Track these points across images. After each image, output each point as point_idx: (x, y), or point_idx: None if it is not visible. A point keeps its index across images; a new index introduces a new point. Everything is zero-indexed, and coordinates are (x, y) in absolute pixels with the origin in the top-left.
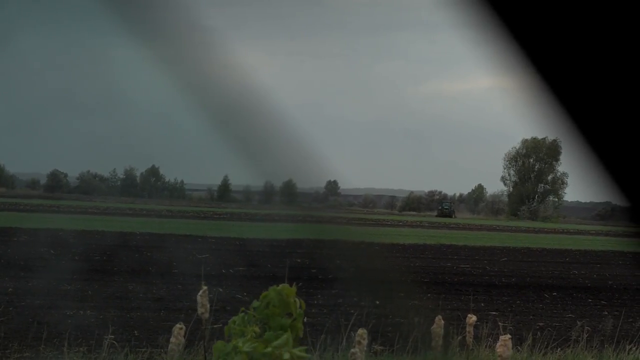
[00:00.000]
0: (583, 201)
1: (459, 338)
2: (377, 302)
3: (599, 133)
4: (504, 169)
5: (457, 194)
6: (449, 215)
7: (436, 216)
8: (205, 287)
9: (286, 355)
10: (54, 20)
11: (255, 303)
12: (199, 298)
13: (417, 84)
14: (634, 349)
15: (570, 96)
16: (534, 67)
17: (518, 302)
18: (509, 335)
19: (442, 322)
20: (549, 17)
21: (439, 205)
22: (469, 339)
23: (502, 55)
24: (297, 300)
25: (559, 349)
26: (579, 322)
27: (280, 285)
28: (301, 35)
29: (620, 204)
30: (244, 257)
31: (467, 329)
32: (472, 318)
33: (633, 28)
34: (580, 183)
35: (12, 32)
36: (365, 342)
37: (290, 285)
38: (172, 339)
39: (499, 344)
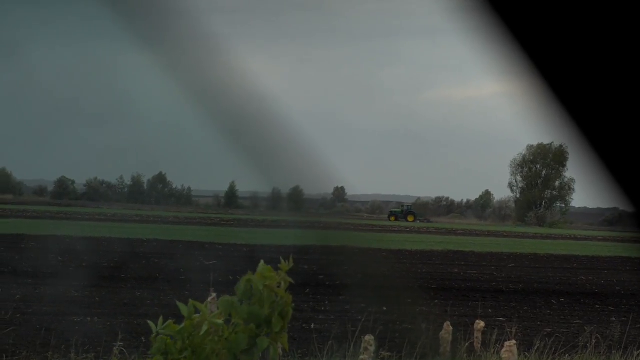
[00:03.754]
0: (590, 207)
1: (467, 344)
2: (385, 308)
3: (604, 138)
4: (511, 175)
5: (465, 200)
6: (390, 217)
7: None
8: (214, 294)
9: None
10: (62, 29)
11: (239, 286)
12: (207, 305)
13: (424, 89)
14: None
15: (576, 101)
16: (540, 73)
17: (525, 308)
18: (514, 341)
19: (451, 328)
20: (554, 23)
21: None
22: (477, 344)
23: (509, 61)
24: (274, 289)
25: (567, 355)
26: (586, 328)
27: (260, 267)
28: (306, 42)
29: (627, 210)
30: (252, 263)
31: (476, 335)
32: (480, 324)
33: (638, 34)
34: (587, 189)
35: (19, 40)
36: (372, 349)
37: (299, 293)
38: None
39: (504, 349)
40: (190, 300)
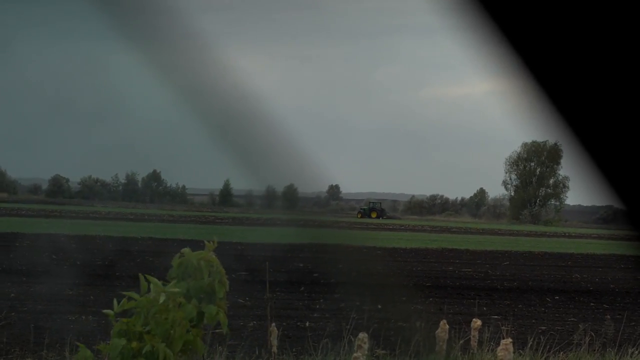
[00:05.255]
0: (585, 205)
1: (461, 342)
2: (379, 306)
3: (598, 136)
4: (506, 172)
5: (459, 198)
6: (357, 214)
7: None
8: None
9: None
10: (56, 27)
11: (171, 273)
12: None
13: (418, 88)
14: (636, 352)
15: (570, 99)
16: (534, 71)
17: (520, 306)
18: (510, 339)
19: (447, 326)
20: (547, 21)
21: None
22: (474, 343)
23: (502, 59)
24: (210, 259)
25: (561, 353)
26: (581, 326)
27: (185, 250)
28: (301, 40)
29: (621, 208)
30: (246, 261)
31: (472, 333)
32: (477, 322)
33: (630, 31)
34: (581, 186)
35: (14, 39)
36: (366, 347)
37: (295, 290)
38: None
39: (500, 347)
40: (140, 274)
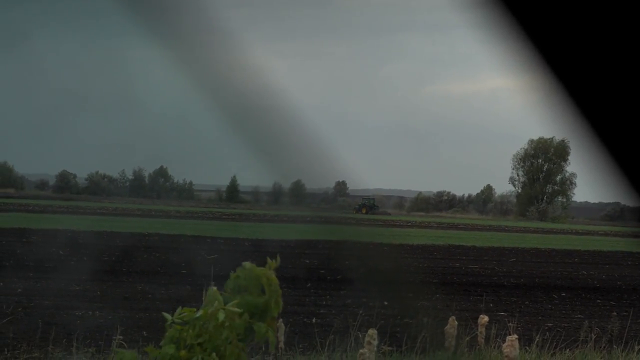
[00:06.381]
0: (592, 202)
1: (468, 338)
2: (386, 303)
3: (612, 132)
4: (513, 169)
5: (466, 195)
6: (360, 211)
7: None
8: (214, 288)
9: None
10: (67, 22)
11: (228, 283)
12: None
13: (425, 84)
14: None
15: (581, 96)
16: (545, 67)
17: (527, 302)
18: (516, 336)
19: (456, 322)
20: (558, 18)
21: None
22: (481, 339)
23: (511, 55)
24: (270, 277)
25: (567, 349)
26: (587, 323)
27: (247, 264)
28: (308, 37)
29: (630, 204)
30: (253, 257)
31: (479, 330)
32: (484, 319)
33: None
34: (589, 183)
35: (23, 33)
36: (375, 343)
37: (303, 286)
38: None
39: (506, 344)
40: (212, 287)
